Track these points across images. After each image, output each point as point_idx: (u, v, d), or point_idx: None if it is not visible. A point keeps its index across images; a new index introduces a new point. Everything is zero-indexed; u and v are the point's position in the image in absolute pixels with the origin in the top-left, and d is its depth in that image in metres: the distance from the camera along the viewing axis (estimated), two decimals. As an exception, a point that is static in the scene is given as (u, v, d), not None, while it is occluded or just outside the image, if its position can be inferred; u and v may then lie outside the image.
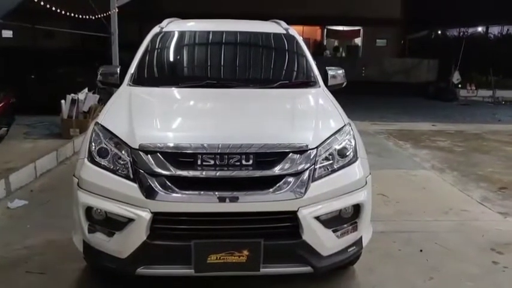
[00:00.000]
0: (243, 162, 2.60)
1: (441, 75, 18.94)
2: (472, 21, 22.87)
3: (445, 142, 8.46)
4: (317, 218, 2.64)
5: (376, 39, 25.95)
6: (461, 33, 23.03)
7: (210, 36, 4.25)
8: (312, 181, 2.64)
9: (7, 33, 18.23)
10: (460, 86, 16.38)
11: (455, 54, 16.80)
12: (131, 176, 2.60)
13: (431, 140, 8.61)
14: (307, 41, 22.77)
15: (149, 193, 2.54)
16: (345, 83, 3.96)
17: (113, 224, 2.64)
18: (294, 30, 4.35)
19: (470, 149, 7.91)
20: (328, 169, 2.71)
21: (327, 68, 3.92)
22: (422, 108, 13.71)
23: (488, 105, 14.98)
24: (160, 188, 2.54)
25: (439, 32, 26.23)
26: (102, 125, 2.84)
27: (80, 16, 8.92)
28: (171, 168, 2.57)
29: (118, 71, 3.75)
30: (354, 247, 2.89)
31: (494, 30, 23.54)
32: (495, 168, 6.53)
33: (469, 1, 21.26)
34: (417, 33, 26.67)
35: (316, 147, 2.70)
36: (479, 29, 23.88)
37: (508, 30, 22.60)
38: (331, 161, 2.74)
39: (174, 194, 2.55)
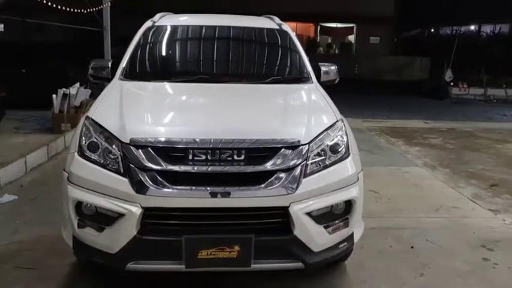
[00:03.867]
0: (235, 157, 2.58)
1: (433, 73, 19.04)
2: (465, 20, 23.01)
3: (437, 139, 8.51)
4: (308, 213, 2.62)
5: (370, 36, 26.01)
6: (454, 32, 23.17)
7: (203, 31, 4.22)
8: (304, 177, 2.62)
9: (-2, 27, 18.02)
10: (452, 84, 16.46)
11: (448, 52, 16.88)
12: (122, 171, 2.57)
13: (423, 138, 8.64)
14: (300, 37, 22.77)
15: (140, 188, 2.51)
16: (337, 79, 3.95)
17: (103, 219, 2.61)
18: (288, 26, 4.33)
19: (462, 146, 7.96)
20: (320, 165, 2.70)
21: (319, 63, 3.91)
22: (415, 106, 13.77)
23: (479, 104, 15.07)
24: (151, 183, 2.52)
25: (432, 30, 26.36)
26: (92, 119, 2.81)
27: (72, 10, 8.83)
28: (162, 163, 2.55)
29: (109, 65, 3.72)
30: (345, 243, 2.88)
31: (487, 28, 23.70)
32: (486, 166, 6.58)
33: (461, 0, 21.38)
34: (410, 31, 26.78)
35: (308, 143, 2.69)
36: (472, 27, 24.03)
37: (500, 28, 22.77)
38: (323, 157, 2.73)
39: (165, 189, 2.52)
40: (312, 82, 3.70)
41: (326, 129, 2.82)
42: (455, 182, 5.75)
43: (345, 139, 2.87)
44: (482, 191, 5.40)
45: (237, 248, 2.55)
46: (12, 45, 10.85)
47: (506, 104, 14.94)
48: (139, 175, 2.53)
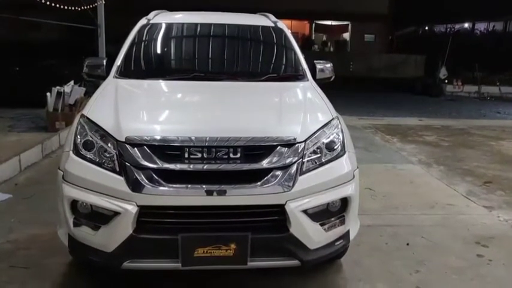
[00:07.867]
0: (231, 155, 2.58)
1: (428, 71, 19.10)
2: (459, 18, 23.10)
3: (432, 137, 8.54)
4: (304, 211, 2.63)
5: (365, 34, 26.03)
6: (448, 30, 23.26)
7: (198, 29, 4.21)
8: (300, 174, 2.63)
9: (-9, 25, 17.87)
10: (446, 81, 16.54)
11: (442, 50, 16.94)
12: (117, 169, 2.57)
13: (418, 135, 8.67)
14: (295, 35, 22.75)
15: (135, 186, 2.51)
16: (333, 77, 3.95)
17: (98, 218, 2.60)
18: (283, 24, 4.32)
19: (456, 143, 7.99)
20: (316, 163, 2.71)
21: (315, 61, 3.91)
22: (410, 104, 13.81)
23: (474, 101, 15.15)
24: (147, 181, 2.51)
25: (427, 28, 26.45)
26: (87, 117, 2.80)
27: (67, 7, 8.79)
28: (158, 161, 2.54)
29: (104, 63, 3.70)
30: (341, 241, 2.89)
31: (481, 26, 23.81)
32: (480, 163, 6.61)
33: (456, -3, 21.45)
34: (405, 29, 26.85)
35: (304, 141, 2.69)
36: (466, 25, 24.13)
37: (494, 26, 22.89)
38: (319, 155, 2.73)
39: (161, 187, 2.52)
40: (308, 80, 3.70)
41: (322, 127, 2.82)
42: (450, 179, 5.77)
43: (341, 137, 2.87)
44: (476, 188, 5.42)
45: (233, 246, 2.56)
46: (5, 43, 10.75)
47: (500, 101, 15.03)
48: (135, 173, 2.53)
